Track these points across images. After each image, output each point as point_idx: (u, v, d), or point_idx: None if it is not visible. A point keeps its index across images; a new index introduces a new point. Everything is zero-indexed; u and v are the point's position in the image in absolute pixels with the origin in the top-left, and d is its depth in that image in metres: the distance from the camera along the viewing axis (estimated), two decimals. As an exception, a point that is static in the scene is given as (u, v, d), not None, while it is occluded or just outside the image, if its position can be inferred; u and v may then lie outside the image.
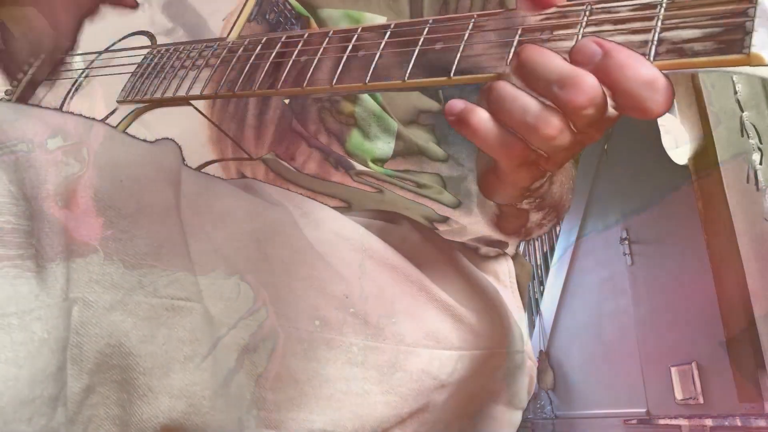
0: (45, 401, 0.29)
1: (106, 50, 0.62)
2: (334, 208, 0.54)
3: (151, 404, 0.34)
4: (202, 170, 0.63)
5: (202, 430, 0.36)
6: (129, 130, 0.53)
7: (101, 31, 0.64)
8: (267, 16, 0.62)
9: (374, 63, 0.40)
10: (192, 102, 0.51)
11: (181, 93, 0.49)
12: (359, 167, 0.63)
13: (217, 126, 0.55)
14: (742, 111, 2.30)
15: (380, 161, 0.64)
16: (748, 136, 2.26)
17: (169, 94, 0.50)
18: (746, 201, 2.23)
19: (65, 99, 0.60)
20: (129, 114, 0.53)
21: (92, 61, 0.61)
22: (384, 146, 0.64)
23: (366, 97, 0.64)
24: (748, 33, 0.30)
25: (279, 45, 0.46)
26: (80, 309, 0.31)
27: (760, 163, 2.21)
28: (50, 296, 0.30)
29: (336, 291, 0.46)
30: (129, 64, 0.57)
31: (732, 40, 0.30)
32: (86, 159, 0.33)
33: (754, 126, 2.26)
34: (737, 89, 2.32)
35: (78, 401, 0.31)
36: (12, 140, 0.31)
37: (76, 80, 0.61)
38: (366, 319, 0.47)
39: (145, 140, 0.38)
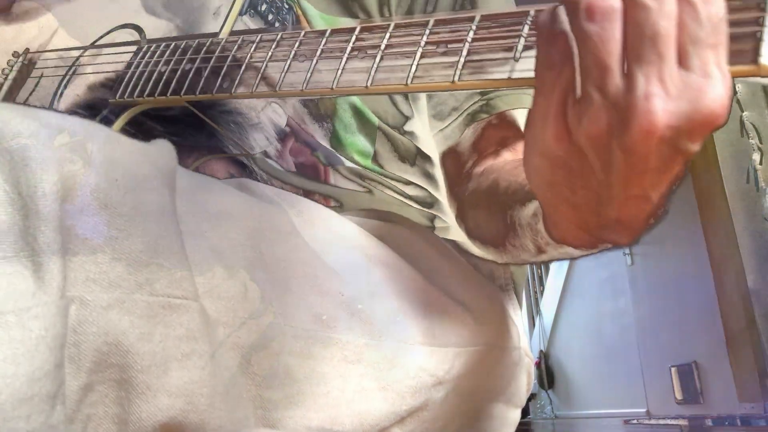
0: (43, 399, 0.29)
1: (92, 45, 0.61)
2: (327, 207, 0.54)
3: (149, 402, 0.34)
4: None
5: (200, 429, 0.36)
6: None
7: (86, 22, 0.63)
8: (259, 8, 0.61)
9: (375, 65, 0.40)
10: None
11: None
12: (348, 163, 0.62)
13: (211, 123, 0.55)
14: (742, 111, 2.30)
15: (365, 155, 0.64)
16: (748, 136, 2.26)
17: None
18: (746, 201, 2.23)
19: (53, 99, 0.59)
20: (123, 114, 0.52)
21: (78, 58, 0.59)
22: (365, 140, 0.64)
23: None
24: (759, 42, 0.28)
25: (274, 45, 0.45)
26: (77, 307, 0.31)
27: (760, 163, 2.21)
28: (47, 294, 0.30)
29: (332, 289, 0.46)
30: (118, 62, 0.56)
31: (741, 51, 0.29)
32: (88, 156, 0.33)
33: (754, 126, 2.26)
34: (737, 89, 2.32)
35: (76, 400, 0.32)
36: (6, 139, 0.31)
37: (64, 77, 0.60)
38: (362, 317, 0.47)
39: (140, 140, 0.38)
